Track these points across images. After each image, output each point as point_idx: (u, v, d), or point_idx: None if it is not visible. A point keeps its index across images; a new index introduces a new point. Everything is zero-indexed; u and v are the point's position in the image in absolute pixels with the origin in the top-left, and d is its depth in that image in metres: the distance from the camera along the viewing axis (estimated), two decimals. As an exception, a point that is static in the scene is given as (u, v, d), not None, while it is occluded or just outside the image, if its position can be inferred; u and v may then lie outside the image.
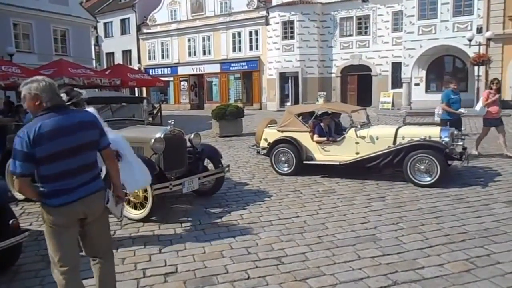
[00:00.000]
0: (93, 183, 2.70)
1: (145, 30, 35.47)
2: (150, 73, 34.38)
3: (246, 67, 30.58)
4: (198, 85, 34.37)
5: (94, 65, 34.12)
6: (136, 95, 35.11)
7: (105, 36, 38.37)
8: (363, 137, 7.37)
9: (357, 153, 7.33)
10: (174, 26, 33.72)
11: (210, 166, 6.59)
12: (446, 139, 6.81)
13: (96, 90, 25.48)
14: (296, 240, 4.49)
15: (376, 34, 26.25)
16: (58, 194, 2.55)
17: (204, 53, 32.78)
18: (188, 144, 6.24)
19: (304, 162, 7.70)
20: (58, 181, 2.54)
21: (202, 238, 4.68)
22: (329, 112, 8.26)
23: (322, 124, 7.93)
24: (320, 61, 27.70)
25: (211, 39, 32.17)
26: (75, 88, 4.62)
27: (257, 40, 29.91)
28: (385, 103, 24.94)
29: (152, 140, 5.46)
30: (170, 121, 6.01)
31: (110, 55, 38.14)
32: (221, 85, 32.34)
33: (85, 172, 2.66)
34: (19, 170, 2.45)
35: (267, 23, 28.72)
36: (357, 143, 7.40)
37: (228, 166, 6.59)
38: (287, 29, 27.54)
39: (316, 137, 7.78)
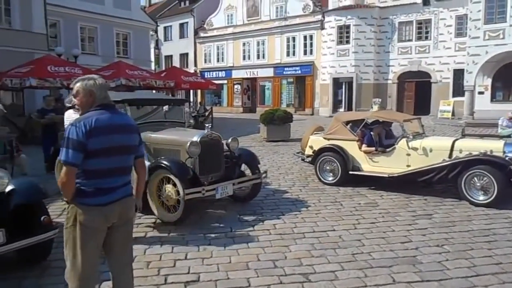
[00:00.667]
0: (128, 186, 2.77)
1: (202, 34, 36.33)
2: (206, 76, 35.27)
3: (299, 71, 30.28)
4: (251, 89, 34.60)
5: (153, 67, 35.53)
6: (191, 97, 36.18)
7: (165, 40, 39.82)
8: (415, 149, 6.89)
9: (408, 166, 6.87)
10: (230, 30, 34.23)
11: (249, 172, 6.44)
12: (511, 155, 6.18)
13: (153, 91, 26.52)
14: (328, 256, 4.22)
15: (438, 39, 24.88)
16: (101, 193, 2.57)
17: (258, 57, 32.94)
18: (226, 148, 6.15)
19: (350, 172, 7.34)
20: (104, 177, 2.59)
21: (230, 246, 4.55)
22: (380, 120, 7.83)
23: (372, 133, 7.53)
24: (376, 66, 26.76)
25: (265, 43, 32.25)
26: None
27: (311, 44, 29.52)
28: (444, 111, 23.54)
29: (188, 144, 5.42)
30: (207, 125, 5.95)
31: (169, 58, 39.49)
32: (273, 89, 32.30)
33: (125, 174, 2.74)
34: (71, 158, 2.47)
35: (322, 28, 28.25)
36: (408, 154, 6.93)
37: (266, 172, 6.42)
38: (343, 34, 26.89)
39: (364, 147, 7.40)
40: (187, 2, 39.05)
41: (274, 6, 31.21)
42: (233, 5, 33.87)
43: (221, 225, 5.29)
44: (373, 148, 7.33)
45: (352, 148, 7.46)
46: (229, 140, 6.14)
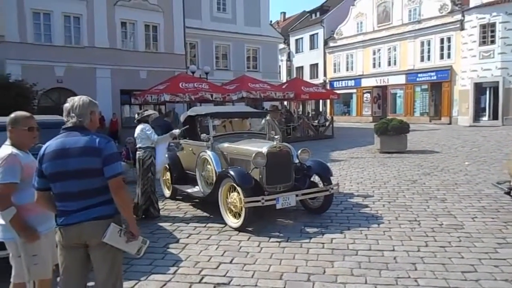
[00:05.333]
0: (93, 210, 2.59)
1: (331, 44, 36.38)
2: (334, 86, 35.23)
3: (435, 77, 27.96)
4: (382, 97, 33.19)
5: (283, 78, 36.96)
6: (320, 107, 36.43)
7: (296, 52, 41.07)
8: None
9: None
10: (359, 38, 33.55)
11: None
12: None
13: (278, 103, 27.51)
14: (368, 277, 4.00)
15: None
16: (60, 215, 2.63)
17: (389, 64, 31.51)
18: (297, 160, 6.24)
19: None
20: (60, 201, 2.63)
21: (277, 256, 4.64)
22: None
23: None
24: (529, 68, 23.06)
25: (397, 49, 30.67)
26: (148, 110, 5.87)
27: (449, 47, 27.01)
28: None
29: (254, 155, 5.70)
30: (276, 136, 6.14)
31: (300, 69, 40.56)
32: (406, 97, 30.46)
33: (87, 198, 2.59)
34: (35, 184, 2.68)
35: (462, 28, 25.63)
36: None
37: (337, 184, 6.28)
38: (486, 33, 23.96)
39: None
40: (318, 14, 39.68)
41: (406, 10, 29.57)
42: (363, 12, 33.20)
43: (281, 234, 5.41)
44: None
45: None
46: (299, 152, 6.22)
